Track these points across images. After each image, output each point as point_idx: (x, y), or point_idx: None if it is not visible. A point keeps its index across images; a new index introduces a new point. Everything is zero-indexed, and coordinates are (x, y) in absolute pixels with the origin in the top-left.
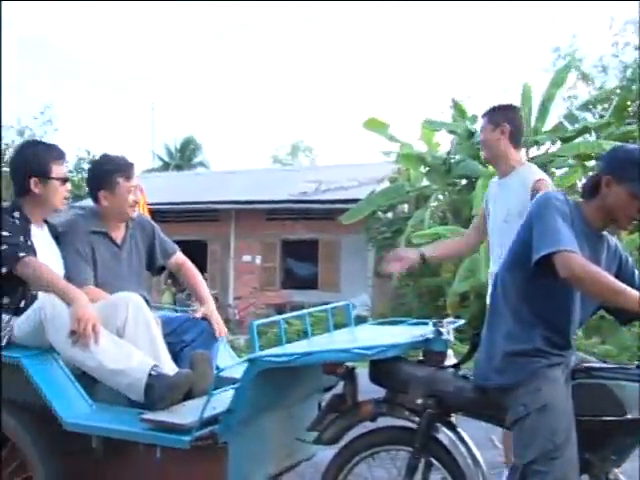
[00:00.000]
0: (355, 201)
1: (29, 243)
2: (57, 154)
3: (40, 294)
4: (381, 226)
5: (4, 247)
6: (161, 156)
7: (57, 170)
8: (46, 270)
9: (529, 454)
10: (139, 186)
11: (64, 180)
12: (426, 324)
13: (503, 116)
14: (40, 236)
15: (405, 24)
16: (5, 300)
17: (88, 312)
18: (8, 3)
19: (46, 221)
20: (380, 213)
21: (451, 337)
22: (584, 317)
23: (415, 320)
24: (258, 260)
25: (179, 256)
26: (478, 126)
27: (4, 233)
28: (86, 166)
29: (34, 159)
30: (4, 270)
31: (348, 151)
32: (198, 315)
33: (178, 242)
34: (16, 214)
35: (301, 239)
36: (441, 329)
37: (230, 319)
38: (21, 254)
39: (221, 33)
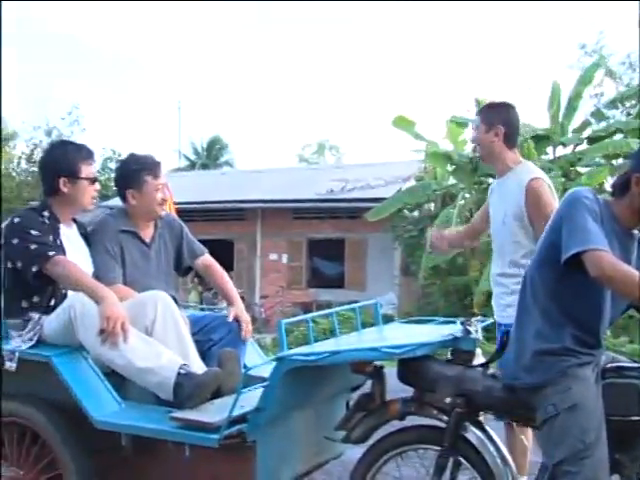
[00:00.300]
0: (381, 200)
1: (58, 242)
2: (86, 154)
3: (69, 293)
4: (407, 225)
5: (34, 246)
6: (187, 155)
7: (86, 170)
8: (75, 269)
9: (559, 454)
10: (166, 184)
11: (93, 180)
12: (454, 323)
13: (497, 117)
14: (69, 235)
15: (432, 22)
16: (35, 299)
17: (117, 310)
18: (37, 2)
19: (75, 220)
20: (406, 212)
21: (479, 336)
22: (614, 316)
23: (443, 319)
24: (284, 259)
25: (206, 257)
26: None
27: (34, 232)
28: (112, 165)
29: (63, 159)
30: (34, 269)
31: (374, 150)
32: (231, 317)
33: (204, 241)
34: (45, 213)
35: (327, 238)
36: (469, 328)
37: (256, 318)
38: (51, 253)
39: (248, 32)
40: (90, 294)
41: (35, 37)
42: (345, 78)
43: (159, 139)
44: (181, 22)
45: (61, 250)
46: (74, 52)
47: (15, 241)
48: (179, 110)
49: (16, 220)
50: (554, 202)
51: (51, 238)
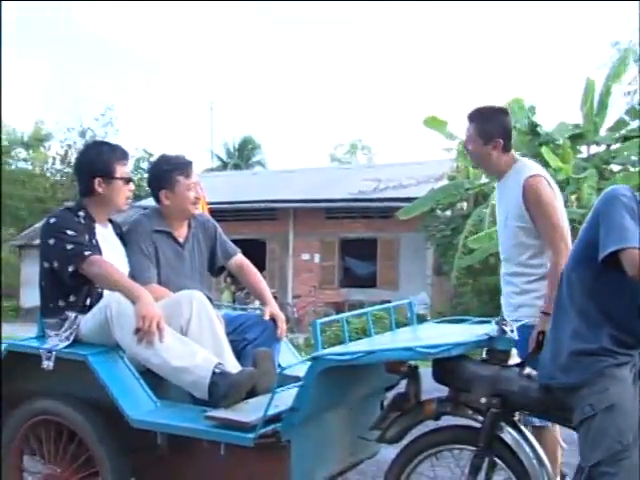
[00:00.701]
0: (413, 199)
1: (94, 242)
2: (120, 154)
3: (105, 292)
4: (440, 224)
5: (70, 246)
6: (220, 156)
7: (120, 170)
8: (111, 268)
9: (596, 455)
10: (199, 183)
11: (127, 180)
12: (488, 323)
13: (495, 129)
14: (105, 235)
15: (462, 21)
16: (71, 298)
17: (152, 310)
18: (70, 3)
19: (110, 220)
20: (439, 211)
21: (515, 335)
22: None
23: (477, 319)
24: (317, 259)
25: (240, 257)
26: (537, 119)
27: (70, 232)
28: (145, 165)
29: (98, 160)
30: (70, 269)
31: (406, 149)
32: (267, 316)
33: (237, 241)
34: (81, 213)
35: (360, 238)
36: (505, 327)
37: (289, 317)
38: (87, 253)
39: (280, 32)
40: (126, 294)
41: (68, 38)
42: (378, 78)
43: (191, 140)
44: (213, 23)
45: (97, 250)
46: (107, 53)
47: (51, 241)
48: (211, 110)
49: (52, 220)
50: (554, 198)
51: (87, 238)
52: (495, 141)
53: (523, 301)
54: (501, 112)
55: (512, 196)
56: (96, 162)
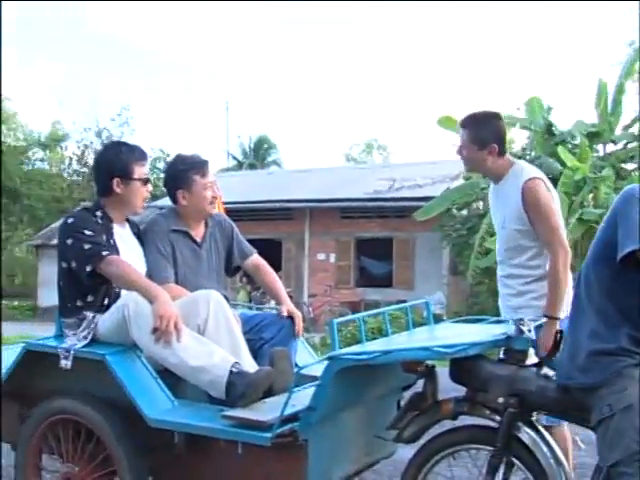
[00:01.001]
0: (429, 199)
1: (112, 242)
2: (139, 155)
3: (123, 292)
4: (456, 224)
5: (88, 246)
6: (235, 155)
7: (139, 171)
8: (129, 268)
9: (614, 455)
10: (215, 183)
11: (145, 181)
12: (505, 322)
13: (489, 135)
14: (122, 235)
15: (477, 20)
16: (89, 298)
17: (170, 309)
18: (85, 3)
19: (128, 220)
20: (455, 211)
21: (533, 335)
22: None
23: (494, 318)
24: (332, 258)
25: (256, 257)
26: (553, 119)
27: (87, 232)
28: (161, 165)
29: (117, 160)
30: (88, 269)
31: (421, 149)
32: (284, 313)
33: (252, 241)
34: (98, 213)
35: (375, 237)
36: (522, 327)
37: (305, 317)
38: (104, 253)
39: (295, 31)
40: (143, 293)
41: (84, 39)
42: (393, 77)
43: (207, 139)
44: (229, 22)
45: (115, 250)
46: (123, 54)
47: (69, 241)
48: (227, 110)
49: (70, 220)
50: (553, 201)
51: (104, 238)
52: (490, 146)
53: (521, 303)
54: (494, 117)
55: (510, 199)
56: (115, 162)
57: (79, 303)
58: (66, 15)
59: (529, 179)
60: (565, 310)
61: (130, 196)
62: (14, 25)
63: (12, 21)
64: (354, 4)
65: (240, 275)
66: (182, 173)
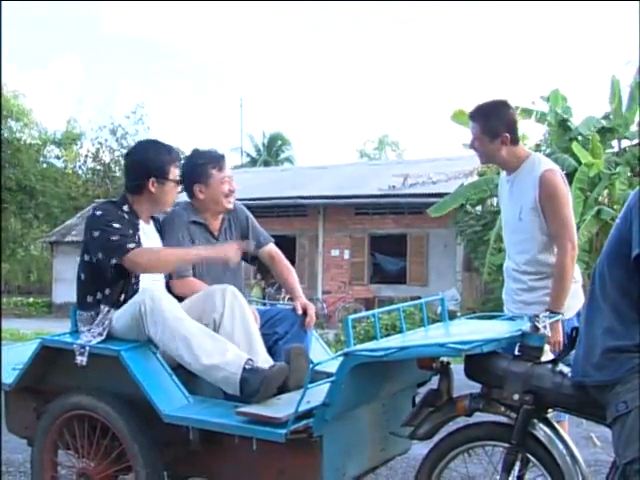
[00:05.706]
0: (443, 195)
1: (137, 238)
2: (175, 156)
3: (140, 288)
4: (470, 220)
5: (115, 237)
6: (249, 152)
7: (174, 172)
8: (158, 251)
9: (630, 453)
10: (232, 177)
11: (178, 182)
12: (521, 318)
13: (500, 124)
14: (147, 232)
15: (490, 18)
16: (107, 291)
17: (218, 248)
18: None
19: (152, 217)
20: (469, 207)
21: (548, 332)
22: None
23: (509, 315)
24: (346, 255)
25: (272, 246)
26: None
27: (115, 225)
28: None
29: (155, 160)
30: (114, 261)
31: (435, 145)
32: (299, 308)
33: None
34: (125, 208)
35: (389, 234)
36: (537, 324)
37: (319, 313)
38: (131, 246)
39: (309, 29)
40: (187, 260)
41: (98, 38)
42: (405, 74)
43: (221, 136)
44: (242, 20)
45: (139, 245)
46: (137, 52)
47: (96, 233)
48: (241, 107)
49: (98, 213)
50: (568, 195)
51: (131, 232)
52: (502, 136)
53: (532, 298)
54: (503, 106)
55: (528, 189)
56: (153, 162)
57: (98, 296)
58: (84, 14)
59: (548, 170)
60: (577, 306)
61: (163, 196)
62: (32, 24)
63: (30, 20)
64: (368, 3)
65: (254, 271)
66: (199, 167)
